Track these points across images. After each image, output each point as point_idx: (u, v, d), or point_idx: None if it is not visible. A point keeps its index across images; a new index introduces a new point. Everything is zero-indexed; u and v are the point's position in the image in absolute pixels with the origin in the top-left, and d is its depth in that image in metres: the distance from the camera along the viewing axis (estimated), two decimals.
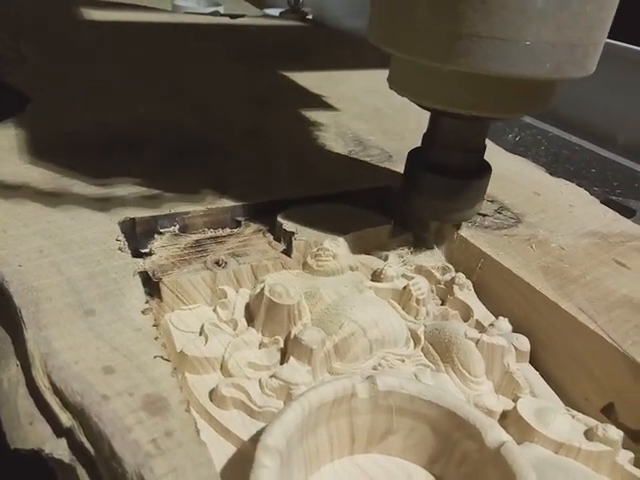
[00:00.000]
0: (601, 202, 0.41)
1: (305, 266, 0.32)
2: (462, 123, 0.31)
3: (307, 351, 0.25)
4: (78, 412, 0.20)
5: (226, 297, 0.29)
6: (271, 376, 0.24)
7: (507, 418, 0.24)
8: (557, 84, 0.30)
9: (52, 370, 0.21)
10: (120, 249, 0.28)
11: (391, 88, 0.31)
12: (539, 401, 0.25)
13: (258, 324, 0.28)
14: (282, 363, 0.26)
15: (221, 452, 0.22)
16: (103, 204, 0.32)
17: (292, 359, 0.25)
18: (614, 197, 0.51)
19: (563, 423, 0.24)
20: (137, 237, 0.30)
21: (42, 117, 0.45)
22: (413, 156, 0.34)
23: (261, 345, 0.27)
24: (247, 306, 0.29)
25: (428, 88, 0.29)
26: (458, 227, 0.34)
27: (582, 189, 0.42)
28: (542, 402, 0.25)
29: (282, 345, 0.27)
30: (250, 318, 0.28)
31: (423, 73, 0.29)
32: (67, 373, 0.21)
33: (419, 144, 0.48)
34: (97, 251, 0.28)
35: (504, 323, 0.28)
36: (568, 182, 0.43)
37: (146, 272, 0.28)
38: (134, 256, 0.29)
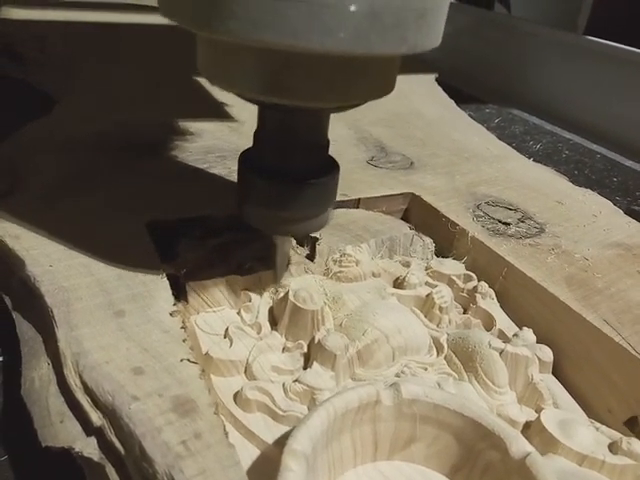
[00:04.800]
0: (624, 212, 0.41)
1: (328, 271, 0.32)
2: (280, 114, 0.25)
3: (331, 357, 0.25)
4: (109, 412, 0.20)
5: (250, 301, 0.29)
6: (295, 380, 0.25)
7: (530, 429, 0.24)
8: (394, 62, 0.24)
9: (83, 369, 0.22)
10: (148, 251, 0.29)
11: (200, 73, 0.25)
12: (562, 412, 0.25)
13: (282, 328, 0.28)
14: (305, 368, 0.26)
15: (245, 454, 0.22)
16: (129, 206, 0.33)
17: (315, 364, 0.25)
18: (636, 207, 0.51)
19: (587, 435, 0.23)
20: (164, 239, 0.31)
21: (67, 117, 0.46)
22: (244, 158, 0.28)
23: (284, 349, 0.27)
24: (271, 310, 0.29)
25: (224, 69, 0.23)
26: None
27: (605, 199, 0.42)
28: (565, 414, 0.25)
29: (305, 350, 0.27)
30: (274, 322, 0.29)
31: (215, 50, 0.23)
32: (98, 373, 0.21)
33: (440, 150, 0.48)
34: (125, 252, 0.28)
35: (528, 333, 0.28)
36: (591, 191, 0.43)
37: (173, 274, 0.28)
38: (161, 258, 0.29)
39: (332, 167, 0.28)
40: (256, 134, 0.27)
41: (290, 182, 0.26)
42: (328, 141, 0.28)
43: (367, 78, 0.23)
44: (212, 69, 0.24)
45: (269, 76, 0.22)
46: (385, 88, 0.24)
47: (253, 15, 0.18)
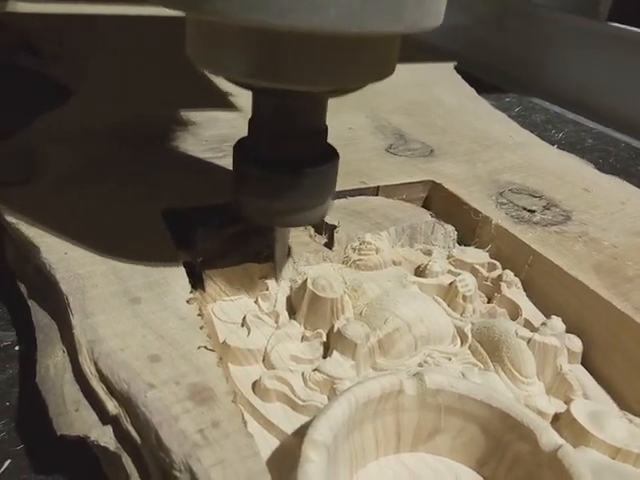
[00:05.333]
0: None
1: (347, 260, 0.31)
2: (273, 99, 0.24)
3: (351, 345, 0.24)
4: (125, 400, 0.20)
5: (267, 289, 0.29)
6: (314, 370, 0.24)
7: (559, 421, 0.23)
8: (392, 42, 0.23)
9: (99, 357, 0.21)
10: (164, 239, 0.28)
11: (189, 58, 0.24)
12: (593, 404, 0.24)
13: (300, 317, 0.27)
14: (324, 357, 0.25)
15: (264, 445, 0.21)
16: (145, 194, 0.32)
17: (335, 353, 0.25)
18: None
19: (619, 427, 0.22)
20: (180, 227, 0.30)
21: (82, 108, 0.46)
22: (238, 147, 0.27)
23: (303, 338, 0.26)
24: (288, 298, 0.29)
25: (212, 51, 0.22)
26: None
27: (633, 186, 0.40)
28: (597, 405, 0.24)
29: (325, 339, 0.26)
30: (292, 311, 0.28)
31: (203, 32, 0.22)
32: (113, 360, 0.21)
33: (461, 138, 0.47)
34: (141, 240, 0.28)
35: (557, 322, 0.27)
36: (618, 179, 0.41)
37: (190, 262, 0.28)
38: (177, 246, 0.28)
39: (331, 155, 0.27)
40: (250, 121, 0.26)
41: (286, 171, 0.25)
42: (326, 128, 0.26)
43: (363, 60, 0.22)
44: (201, 52, 0.23)
45: (257, 58, 0.21)
46: (384, 70, 0.23)
47: None
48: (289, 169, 0.25)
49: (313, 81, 0.21)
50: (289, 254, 0.30)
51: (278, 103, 0.24)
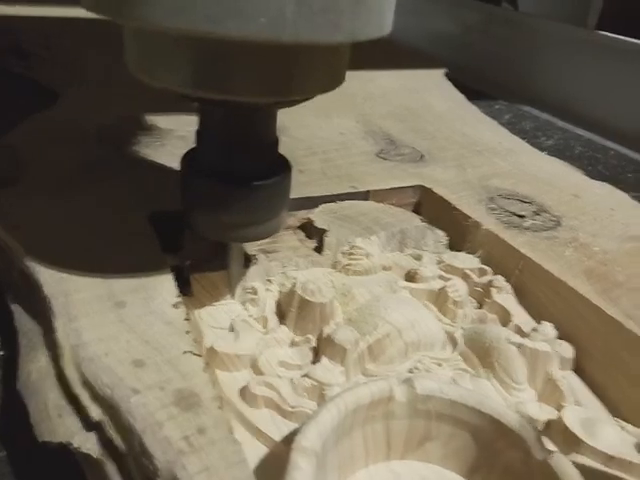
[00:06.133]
0: None
1: (337, 264, 0.31)
2: (216, 110, 0.23)
3: (340, 351, 0.24)
4: (108, 406, 0.19)
5: (256, 294, 0.28)
6: (303, 375, 0.24)
7: (551, 428, 0.23)
8: (338, 52, 0.22)
9: (82, 362, 0.21)
10: (151, 242, 0.28)
11: (126, 65, 0.23)
12: (585, 411, 0.24)
13: (289, 322, 0.27)
14: (314, 363, 0.25)
15: (252, 452, 0.21)
16: (133, 197, 0.32)
17: (325, 359, 0.24)
18: None
19: (612, 434, 0.22)
20: (168, 230, 0.30)
21: (70, 110, 0.46)
22: (185, 159, 0.26)
23: (292, 343, 0.26)
24: (277, 303, 0.28)
25: (146, 60, 0.21)
26: None
27: (623, 193, 0.41)
28: (588, 412, 0.24)
29: (314, 344, 0.26)
30: (281, 315, 0.28)
31: (136, 39, 0.21)
32: (97, 365, 0.20)
33: (451, 143, 0.47)
34: (127, 243, 0.28)
35: (548, 328, 0.27)
36: (608, 185, 0.41)
37: (176, 266, 0.27)
38: (165, 250, 0.28)
39: (282, 168, 0.26)
40: (197, 132, 0.25)
41: (234, 184, 0.24)
42: (277, 139, 0.25)
43: (306, 70, 0.21)
44: (136, 60, 0.22)
45: (191, 68, 0.20)
46: (331, 81, 0.22)
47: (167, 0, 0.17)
48: (237, 182, 0.24)
49: (252, 93, 0.20)
50: (243, 274, 0.29)
51: (222, 114, 0.23)
